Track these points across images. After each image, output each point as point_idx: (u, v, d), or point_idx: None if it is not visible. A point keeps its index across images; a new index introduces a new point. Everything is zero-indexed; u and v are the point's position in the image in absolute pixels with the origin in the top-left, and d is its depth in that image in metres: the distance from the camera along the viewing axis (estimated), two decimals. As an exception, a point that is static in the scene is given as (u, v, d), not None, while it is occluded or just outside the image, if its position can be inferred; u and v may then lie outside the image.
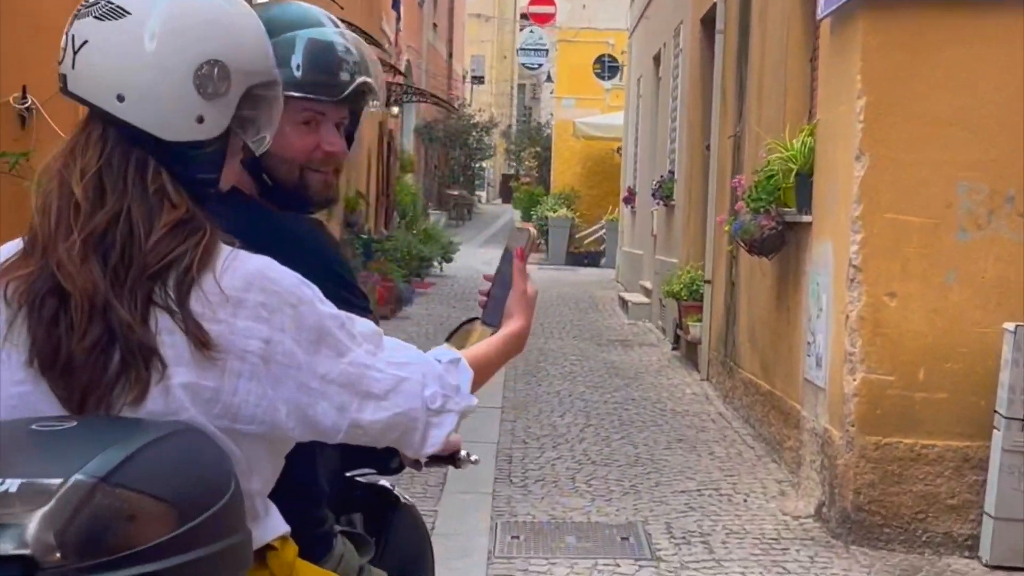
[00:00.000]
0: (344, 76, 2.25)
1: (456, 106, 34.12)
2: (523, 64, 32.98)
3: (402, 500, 2.72)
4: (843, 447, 6.22)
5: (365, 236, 15.68)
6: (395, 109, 19.57)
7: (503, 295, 2.20)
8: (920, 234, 6.12)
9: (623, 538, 6.28)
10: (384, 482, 2.70)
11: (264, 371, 1.79)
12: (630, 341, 13.90)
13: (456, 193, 34.74)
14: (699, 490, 7.27)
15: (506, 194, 40.43)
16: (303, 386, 1.81)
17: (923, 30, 6.12)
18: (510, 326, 2.16)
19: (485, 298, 2.25)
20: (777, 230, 7.67)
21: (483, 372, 2.06)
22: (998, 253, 6.07)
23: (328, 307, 1.87)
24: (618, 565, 5.86)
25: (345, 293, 2.14)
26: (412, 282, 17.60)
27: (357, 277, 2.35)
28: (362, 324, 1.91)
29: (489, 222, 37.55)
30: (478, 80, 46.09)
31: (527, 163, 35.92)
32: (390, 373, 1.88)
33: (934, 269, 6.12)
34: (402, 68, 20.18)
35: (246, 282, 1.79)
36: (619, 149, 22.62)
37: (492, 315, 2.21)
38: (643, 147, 18.04)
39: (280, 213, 2.25)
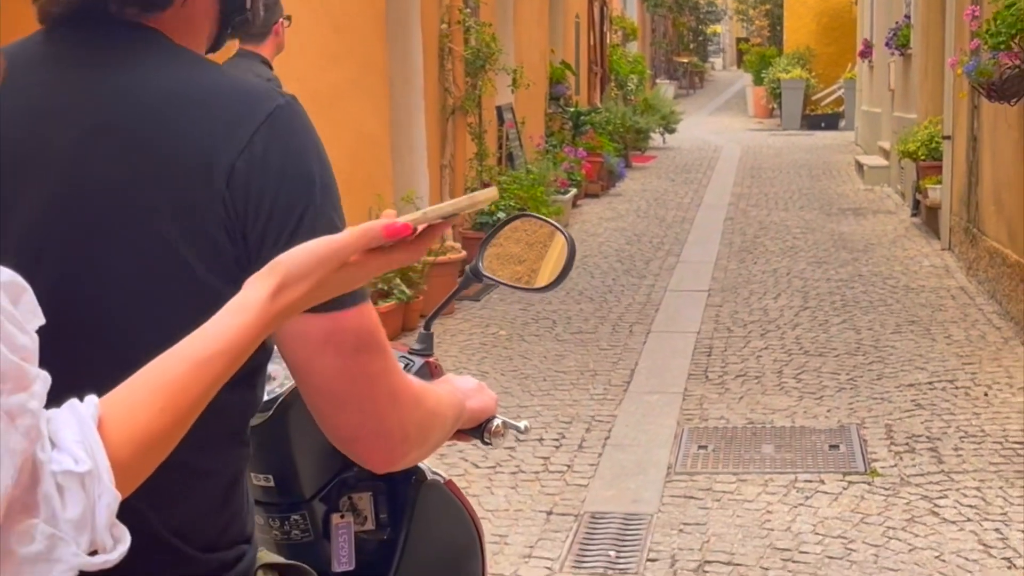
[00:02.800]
0: None
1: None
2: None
3: (428, 475, 1.91)
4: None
5: (572, 109, 14.70)
6: (606, -28, 18.33)
7: None
8: None
9: (832, 446, 5.29)
10: None
11: None
12: (864, 209, 12.58)
13: (686, 61, 33.14)
14: (930, 383, 6.17)
15: (741, 59, 38.51)
16: None
17: None
18: None
19: None
20: (1020, 69, 6.35)
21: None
22: None
23: None
24: (822, 482, 4.89)
25: (334, 215, 1.34)
26: (631, 155, 16.60)
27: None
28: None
29: (721, 89, 35.86)
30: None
31: (757, 23, 33.95)
32: None
33: None
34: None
35: None
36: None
37: None
38: (879, -7, 16.40)
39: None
